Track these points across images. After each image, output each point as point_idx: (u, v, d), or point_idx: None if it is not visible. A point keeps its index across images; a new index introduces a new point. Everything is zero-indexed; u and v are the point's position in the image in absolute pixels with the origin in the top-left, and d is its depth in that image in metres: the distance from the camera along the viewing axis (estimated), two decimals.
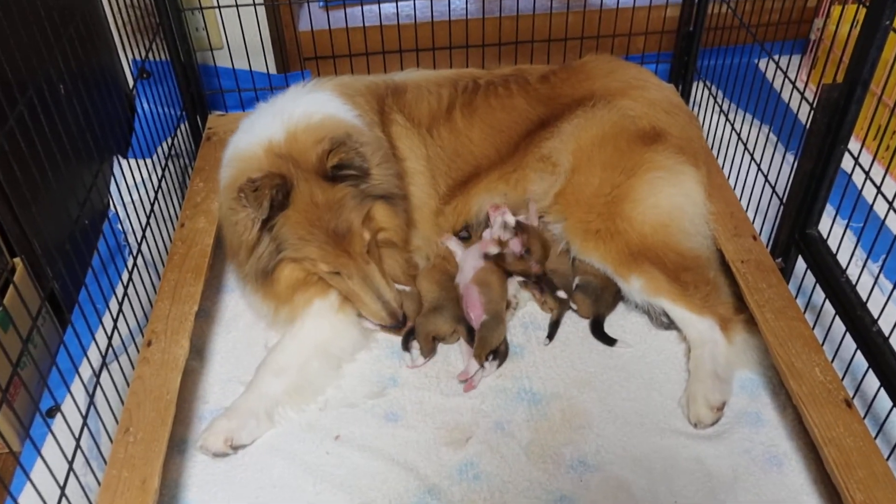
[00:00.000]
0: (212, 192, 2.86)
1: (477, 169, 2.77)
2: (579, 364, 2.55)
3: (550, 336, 2.62)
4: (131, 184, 2.97)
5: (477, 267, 2.66)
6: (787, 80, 2.74)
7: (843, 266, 2.37)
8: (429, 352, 2.52)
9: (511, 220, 2.69)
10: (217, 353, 2.61)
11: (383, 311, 2.41)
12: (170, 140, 3.05)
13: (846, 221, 2.64)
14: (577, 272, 2.72)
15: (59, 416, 2.11)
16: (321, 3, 3.71)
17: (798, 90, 2.57)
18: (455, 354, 2.58)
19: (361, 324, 2.55)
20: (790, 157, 2.99)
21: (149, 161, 3.10)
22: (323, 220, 2.22)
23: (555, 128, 2.74)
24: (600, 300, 2.66)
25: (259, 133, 2.31)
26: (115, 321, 2.31)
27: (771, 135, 3.14)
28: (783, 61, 2.85)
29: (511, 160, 2.78)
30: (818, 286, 2.45)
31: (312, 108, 2.36)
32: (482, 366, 2.47)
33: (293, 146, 2.25)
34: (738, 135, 2.95)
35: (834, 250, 2.45)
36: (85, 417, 2.05)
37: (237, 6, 3.13)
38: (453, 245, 2.75)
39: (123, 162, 3.11)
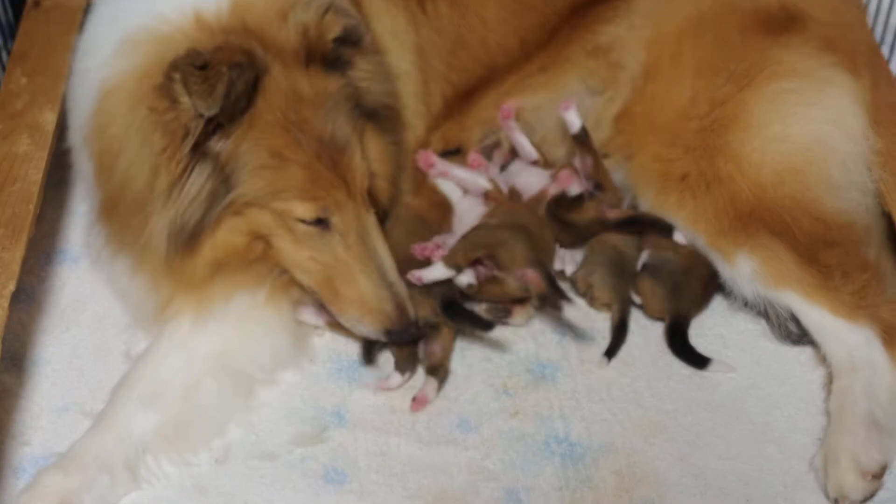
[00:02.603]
0: (41, 92, 2.80)
1: (489, 69, 2.77)
2: (647, 397, 2.55)
3: (611, 351, 2.61)
4: None
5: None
6: None
7: None
8: (405, 362, 2.52)
9: (575, 122, 2.67)
10: (46, 362, 2.59)
11: (390, 304, 2.39)
12: None
13: None
14: (645, 243, 2.72)
15: None
16: None
17: None
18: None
19: (297, 317, 2.56)
20: None
21: None
22: (313, 121, 2.23)
23: (621, 3, 2.72)
24: (682, 291, 2.66)
25: None
26: None
27: None
28: None
29: (543, 54, 2.78)
30: None
31: None
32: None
33: (248, 14, 2.24)
34: None
35: None
36: None
37: None
38: (447, 183, 2.76)
39: None
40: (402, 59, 2.66)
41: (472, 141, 2.83)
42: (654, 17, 2.68)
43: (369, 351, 2.54)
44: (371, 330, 2.43)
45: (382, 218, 2.51)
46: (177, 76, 2.10)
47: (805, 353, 2.61)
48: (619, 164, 2.73)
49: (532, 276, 2.53)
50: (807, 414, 2.50)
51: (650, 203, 2.67)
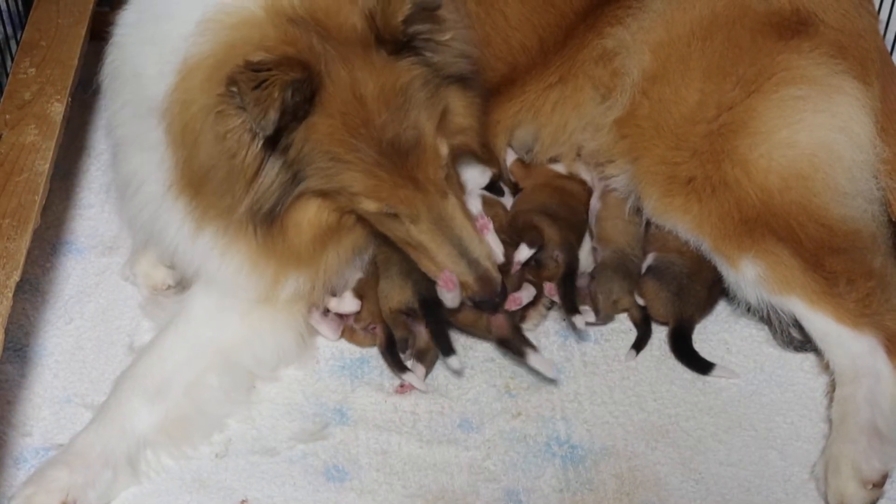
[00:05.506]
0: (50, 83, 2.79)
1: (512, 69, 2.75)
2: (650, 401, 2.53)
3: (638, 345, 2.60)
4: None
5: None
6: None
7: None
8: (426, 354, 2.53)
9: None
10: (49, 353, 2.59)
11: (471, 275, 2.39)
12: None
13: None
14: (650, 246, 2.71)
15: None
16: None
17: None
18: (443, 373, 2.57)
19: (309, 320, 2.55)
20: None
21: None
22: (374, 124, 2.20)
23: (634, 3, 2.70)
24: (686, 294, 2.64)
25: None
26: None
27: None
28: None
29: (559, 58, 2.76)
30: None
31: None
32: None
33: (315, 2, 2.20)
34: None
35: None
36: None
37: None
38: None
39: None
40: None
41: (498, 144, 2.83)
42: (665, 18, 2.65)
43: (395, 357, 2.53)
44: (328, 324, 2.52)
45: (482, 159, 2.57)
46: (235, 90, 2.08)
47: (808, 360, 2.60)
48: (624, 168, 2.71)
49: (498, 319, 2.51)
50: (809, 421, 2.49)
51: (654, 206, 2.65)
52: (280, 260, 2.36)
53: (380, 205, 2.29)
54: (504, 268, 2.50)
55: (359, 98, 2.18)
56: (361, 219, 2.40)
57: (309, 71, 2.11)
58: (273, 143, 2.17)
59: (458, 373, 2.54)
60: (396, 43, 2.19)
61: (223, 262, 2.38)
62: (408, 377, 2.49)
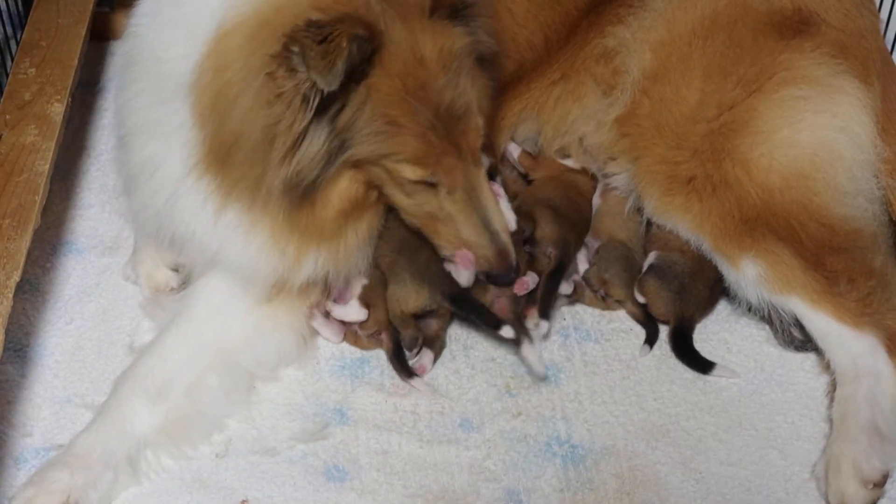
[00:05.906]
0: (50, 83, 2.79)
1: (519, 66, 2.75)
2: (650, 401, 2.54)
3: (651, 339, 2.61)
4: None
5: None
6: None
7: None
8: (433, 340, 2.55)
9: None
10: (49, 353, 2.59)
11: (490, 250, 2.39)
12: None
13: None
14: (651, 245, 2.72)
15: None
16: None
17: None
18: (443, 373, 2.57)
19: (311, 322, 2.55)
20: None
21: None
22: (433, 88, 2.21)
23: (636, 1, 2.69)
24: (688, 294, 2.64)
25: None
26: None
27: None
28: None
29: (562, 56, 2.76)
30: None
31: None
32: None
33: None
34: None
35: None
36: None
37: None
38: None
39: None
40: None
41: (500, 141, 2.84)
42: (666, 17, 2.65)
43: (401, 360, 2.53)
44: (330, 327, 2.52)
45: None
46: (296, 49, 2.05)
47: (809, 359, 2.61)
48: (624, 166, 2.72)
49: (501, 302, 2.52)
50: (810, 420, 2.50)
51: (655, 206, 2.65)
52: (303, 235, 2.33)
53: (424, 172, 2.28)
54: (515, 237, 2.50)
55: (420, 59, 2.18)
56: (381, 196, 2.38)
57: (371, 29, 2.10)
58: (324, 108, 2.14)
59: (502, 346, 2.56)
60: (453, 9, 2.21)
61: (246, 242, 2.34)
62: (415, 382, 2.50)
